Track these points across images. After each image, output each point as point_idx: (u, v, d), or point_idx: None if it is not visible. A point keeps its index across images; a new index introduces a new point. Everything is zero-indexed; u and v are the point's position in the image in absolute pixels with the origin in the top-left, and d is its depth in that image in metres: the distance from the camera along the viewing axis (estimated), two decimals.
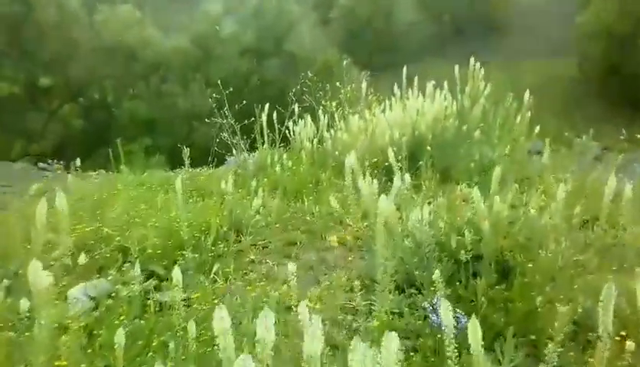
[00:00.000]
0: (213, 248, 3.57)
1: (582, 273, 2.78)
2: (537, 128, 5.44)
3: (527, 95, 5.21)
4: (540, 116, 6.04)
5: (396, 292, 2.78)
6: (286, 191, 5.02)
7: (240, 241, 3.84)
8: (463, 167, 5.23)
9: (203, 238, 3.62)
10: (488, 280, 2.42)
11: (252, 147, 6.38)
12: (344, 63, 7.04)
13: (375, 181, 3.21)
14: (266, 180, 5.20)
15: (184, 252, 3.39)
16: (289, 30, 20.72)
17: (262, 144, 6.11)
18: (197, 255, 3.41)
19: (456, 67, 5.18)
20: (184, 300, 2.88)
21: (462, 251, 2.46)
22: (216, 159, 6.66)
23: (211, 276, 3.25)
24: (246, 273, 3.37)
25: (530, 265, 2.41)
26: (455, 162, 5.25)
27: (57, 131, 20.95)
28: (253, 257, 3.62)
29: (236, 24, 20.77)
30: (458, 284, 2.49)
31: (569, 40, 23.67)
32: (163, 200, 4.79)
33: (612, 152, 7.60)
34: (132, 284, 2.91)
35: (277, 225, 4.22)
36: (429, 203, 4.62)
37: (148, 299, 2.92)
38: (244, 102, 6.51)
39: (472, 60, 5.13)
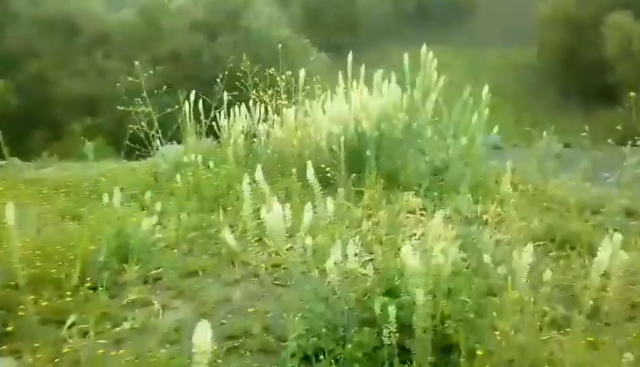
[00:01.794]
0: (78, 286, 2.73)
1: (551, 341, 2.11)
2: (496, 128, 4.79)
3: (485, 89, 4.53)
4: (498, 106, 5.33)
5: (303, 363, 2.05)
6: (203, 198, 4.20)
7: (125, 273, 3.02)
8: (412, 170, 4.54)
9: (69, 273, 2.78)
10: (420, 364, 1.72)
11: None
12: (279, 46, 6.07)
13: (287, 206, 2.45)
14: (180, 183, 4.35)
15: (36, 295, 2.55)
16: (244, 6, 19.54)
17: (185, 138, 5.24)
18: (50, 300, 2.58)
19: (405, 55, 4.43)
20: None
21: (386, 326, 1.73)
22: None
23: (64, 331, 2.42)
24: (117, 324, 2.56)
25: (479, 349, 1.72)
26: (403, 164, 4.55)
27: None
28: (135, 296, 2.81)
29: None
30: None
31: (532, 27, 23.45)
32: (46, 211, 3.91)
33: (573, 149, 7.12)
34: None
35: (177, 249, 3.41)
36: (369, 217, 3.93)
37: None
38: (164, 87, 5.61)
39: (424, 48, 4.39)
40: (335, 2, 27.18)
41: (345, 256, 2.51)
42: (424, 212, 4.07)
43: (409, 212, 4.06)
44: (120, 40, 19.20)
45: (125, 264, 3.04)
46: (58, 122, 19.30)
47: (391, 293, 2.02)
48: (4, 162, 8.03)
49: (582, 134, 6.46)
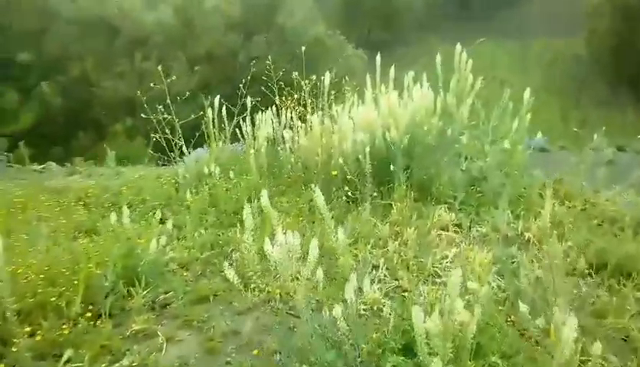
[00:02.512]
0: (81, 314, 2.57)
1: None
2: (539, 134, 4.36)
3: (527, 93, 4.11)
4: (544, 103, 4.84)
5: None
6: (222, 212, 4.00)
7: (132, 298, 2.84)
8: (446, 181, 4.19)
9: (72, 300, 2.63)
10: None
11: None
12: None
13: (297, 236, 2.19)
14: (197, 196, 4.18)
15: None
16: (279, 2, 19.36)
17: (208, 145, 5.09)
18: (50, 331, 2.42)
19: (438, 56, 4.07)
20: None
21: None
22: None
23: None
24: (116, 358, 2.38)
25: None
26: (436, 174, 4.20)
27: (33, 111, 19.87)
28: (140, 326, 2.62)
29: None
30: None
31: (578, 16, 22.20)
32: (61, 226, 3.80)
33: (627, 153, 6.54)
34: None
35: (190, 270, 3.22)
36: (397, 236, 3.62)
37: None
38: (187, 93, 5.46)
39: (459, 46, 4.01)
40: None
41: (361, 289, 2.26)
42: (458, 229, 3.73)
43: (442, 229, 3.73)
44: (158, 41, 19.45)
45: (133, 288, 2.87)
46: (102, 123, 19.81)
47: (408, 350, 1.73)
48: (40, 167, 8.17)
49: (639, 136, 5.91)
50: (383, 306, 2.67)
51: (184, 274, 3.16)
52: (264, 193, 2.33)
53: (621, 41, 17.78)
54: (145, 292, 2.88)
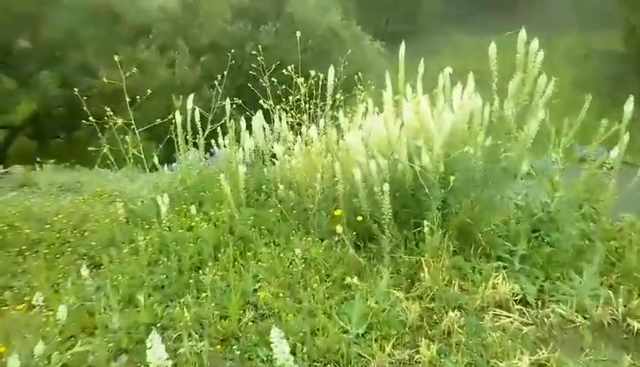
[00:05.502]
0: None
1: None
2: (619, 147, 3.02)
3: (629, 105, 2.72)
4: (580, 102, 3.41)
5: None
6: (173, 269, 2.76)
7: None
8: (501, 227, 2.92)
9: None
10: None
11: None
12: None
13: None
14: (145, 238, 2.94)
15: None
16: None
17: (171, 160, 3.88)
18: None
19: (492, 45, 2.73)
20: None
21: None
22: None
23: None
24: None
25: None
26: (484, 215, 2.92)
27: (32, 101, 18.85)
28: None
29: None
30: None
31: (614, 10, 20.44)
32: None
33: None
34: None
35: None
36: (430, 320, 2.35)
37: None
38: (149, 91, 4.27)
39: (523, 33, 2.66)
40: None
41: None
42: (524, 308, 2.45)
43: (498, 307, 2.45)
44: (161, 29, 18.26)
45: None
46: (101, 116, 18.76)
47: None
48: (3, 170, 7.08)
49: None
50: None
51: None
52: None
53: None
54: None
